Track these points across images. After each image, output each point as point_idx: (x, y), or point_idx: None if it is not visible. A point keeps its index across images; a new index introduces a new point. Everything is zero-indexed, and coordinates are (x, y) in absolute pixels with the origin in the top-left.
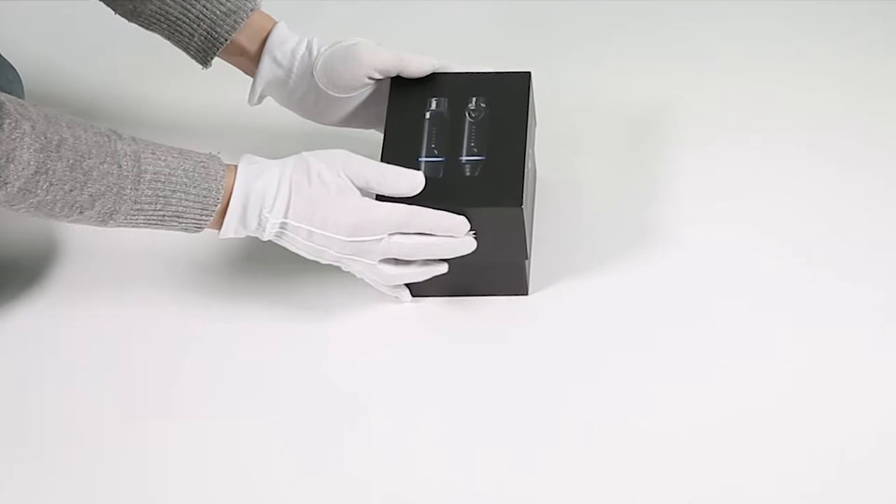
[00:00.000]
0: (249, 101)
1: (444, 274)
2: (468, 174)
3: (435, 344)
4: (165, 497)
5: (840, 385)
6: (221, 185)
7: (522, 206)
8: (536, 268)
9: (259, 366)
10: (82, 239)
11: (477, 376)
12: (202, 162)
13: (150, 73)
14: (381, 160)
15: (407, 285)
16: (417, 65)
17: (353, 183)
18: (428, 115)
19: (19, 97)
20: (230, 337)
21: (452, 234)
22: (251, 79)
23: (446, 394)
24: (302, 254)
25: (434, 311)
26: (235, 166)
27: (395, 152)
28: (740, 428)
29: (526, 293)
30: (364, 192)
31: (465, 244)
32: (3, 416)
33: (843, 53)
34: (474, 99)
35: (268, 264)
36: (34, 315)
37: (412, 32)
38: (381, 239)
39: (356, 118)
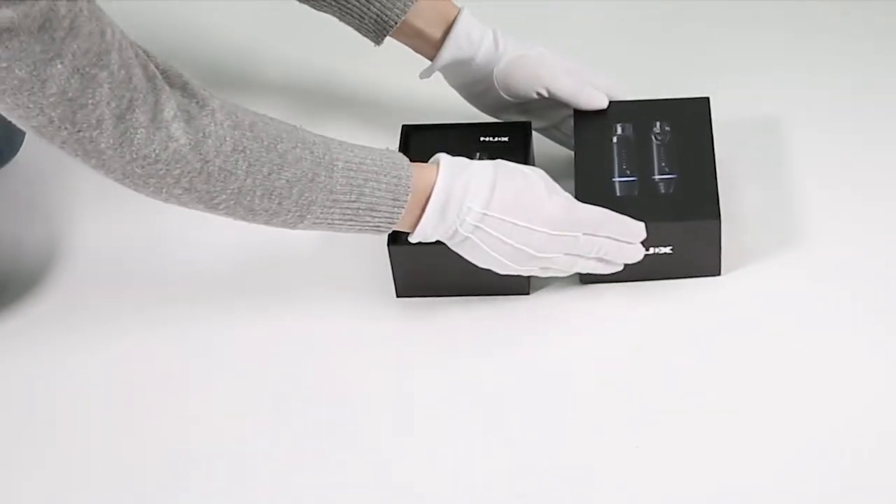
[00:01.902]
0: (422, 76)
1: (447, 274)
2: (663, 191)
3: (436, 343)
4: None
5: (842, 385)
6: (409, 174)
7: (720, 219)
8: None
9: (261, 368)
10: (82, 245)
11: (478, 376)
12: (385, 153)
13: None
14: (576, 185)
15: (405, 286)
16: (590, 101)
17: None
18: (615, 139)
19: None
20: (233, 343)
21: (630, 241)
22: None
23: (447, 394)
24: (487, 256)
25: (435, 310)
26: (423, 163)
27: (588, 175)
28: (741, 428)
29: (527, 293)
30: None
31: (635, 251)
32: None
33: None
34: (658, 123)
35: (268, 270)
36: (33, 320)
37: None
38: (577, 237)
39: (516, 113)
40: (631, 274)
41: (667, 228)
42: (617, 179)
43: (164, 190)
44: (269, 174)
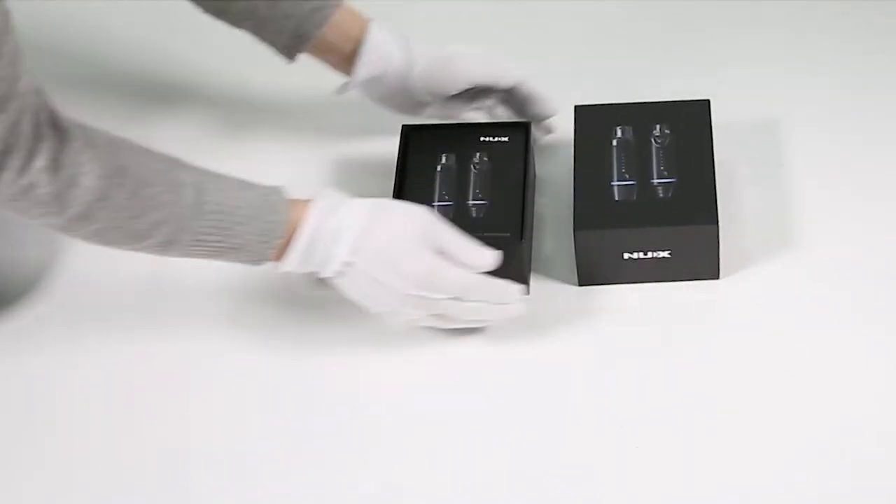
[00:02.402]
0: (338, 92)
1: None
2: (661, 196)
3: (435, 343)
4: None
5: (842, 387)
6: (284, 219)
7: (718, 224)
8: (536, 267)
9: (259, 370)
10: (81, 245)
11: (477, 377)
12: (265, 194)
13: (152, 73)
14: (574, 187)
15: None
16: (507, 79)
17: (429, 241)
18: (615, 142)
19: None
20: (231, 345)
21: (505, 302)
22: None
23: (446, 394)
24: (354, 298)
25: None
26: (302, 200)
27: (587, 179)
28: (741, 429)
29: (527, 292)
30: None
31: (516, 310)
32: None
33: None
34: (658, 126)
35: (266, 271)
36: (32, 322)
37: (413, 33)
38: (439, 300)
39: (441, 114)
40: (630, 276)
41: (664, 233)
42: (616, 183)
43: (28, 218)
44: (131, 218)
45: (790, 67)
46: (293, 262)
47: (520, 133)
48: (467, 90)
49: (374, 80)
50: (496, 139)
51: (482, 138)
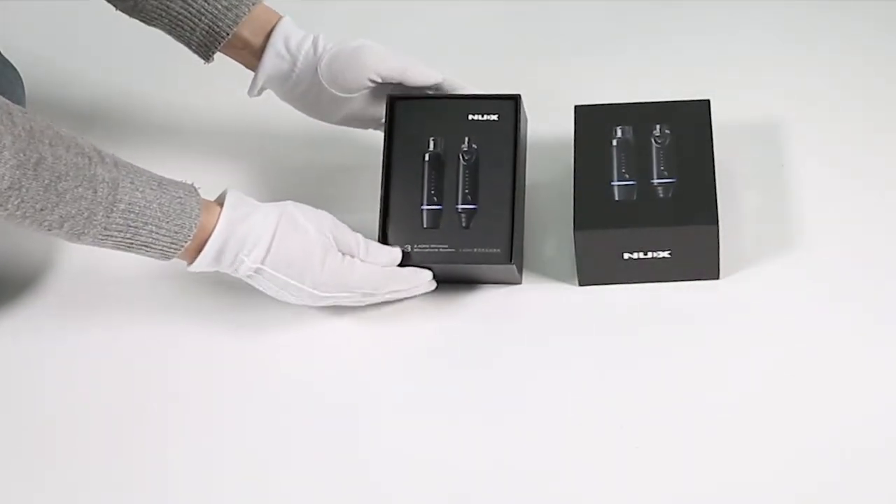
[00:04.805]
0: (250, 92)
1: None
2: (661, 196)
3: (433, 343)
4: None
5: (841, 388)
6: (195, 224)
7: (718, 224)
8: (536, 267)
9: (257, 369)
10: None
11: (475, 377)
12: (179, 198)
13: (151, 71)
14: (574, 187)
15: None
16: (421, 76)
17: (336, 244)
18: (615, 142)
19: (20, 97)
20: (229, 343)
21: (418, 287)
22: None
23: (444, 394)
24: (270, 294)
25: (431, 309)
26: (216, 204)
27: (586, 179)
28: (740, 430)
29: (519, 282)
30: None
31: (427, 287)
32: None
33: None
34: (658, 126)
35: None
36: (29, 320)
37: (413, 33)
38: (353, 294)
39: (354, 118)
40: (630, 276)
41: (664, 233)
42: (616, 183)
43: None
44: (42, 210)
45: (790, 68)
46: (202, 266)
47: (509, 109)
48: (379, 84)
49: (284, 76)
50: (485, 117)
51: (470, 116)
